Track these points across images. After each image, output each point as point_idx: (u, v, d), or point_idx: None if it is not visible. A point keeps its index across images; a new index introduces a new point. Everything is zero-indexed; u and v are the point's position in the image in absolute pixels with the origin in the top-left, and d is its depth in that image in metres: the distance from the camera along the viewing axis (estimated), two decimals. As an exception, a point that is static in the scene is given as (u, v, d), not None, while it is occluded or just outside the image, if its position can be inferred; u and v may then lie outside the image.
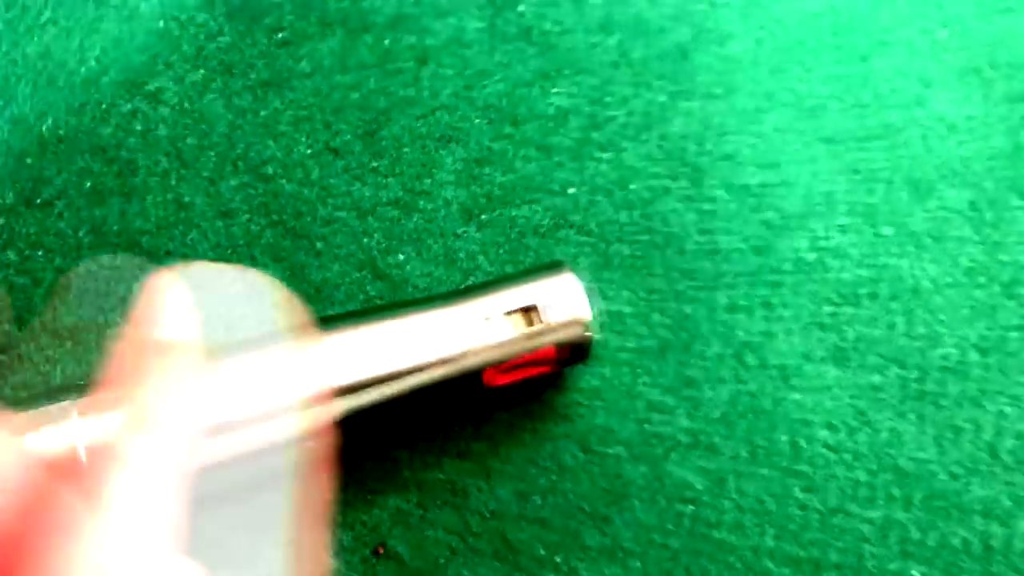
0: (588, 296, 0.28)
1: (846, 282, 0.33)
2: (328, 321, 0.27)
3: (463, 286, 0.30)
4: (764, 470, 0.31)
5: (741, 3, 0.35)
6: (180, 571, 0.18)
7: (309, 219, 0.32)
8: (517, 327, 0.28)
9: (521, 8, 0.35)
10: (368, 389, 0.26)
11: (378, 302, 0.31)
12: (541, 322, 0.28)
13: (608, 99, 0.34)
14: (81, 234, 0.32)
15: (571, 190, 0.33)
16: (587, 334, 0.28)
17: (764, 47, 0.35)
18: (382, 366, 0.26)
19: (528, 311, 0.28)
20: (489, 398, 0.31)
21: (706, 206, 0.33)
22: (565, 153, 0.34)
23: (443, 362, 0.27)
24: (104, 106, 0.33)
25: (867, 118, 0.35)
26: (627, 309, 0.32)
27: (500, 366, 0.28)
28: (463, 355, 0.27)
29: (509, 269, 0.32)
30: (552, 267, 0.29)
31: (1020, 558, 0.31)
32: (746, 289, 0.33)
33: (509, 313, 0.28)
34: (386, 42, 0.34)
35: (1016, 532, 0.31)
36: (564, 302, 0.28)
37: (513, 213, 0.33)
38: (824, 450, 0.31)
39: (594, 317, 0.28)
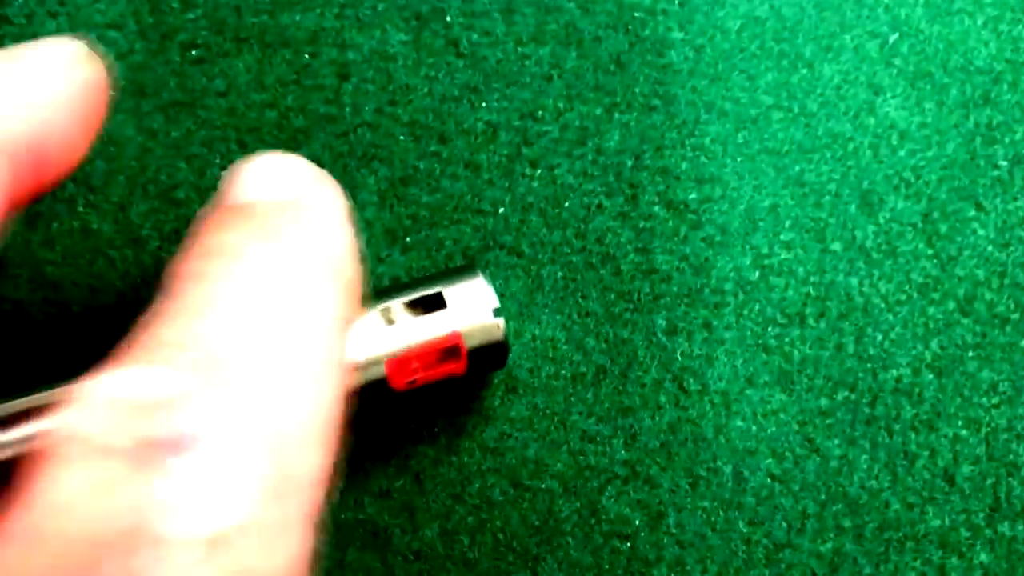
0: (494, 288, 0.27)
1: (792, 301, 0.31)
2: None
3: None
4: (706, 503, 0.29)
5: (680, 10, 0.34)
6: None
7: (223, 245, 0.31)
8: (417, 315, 0.26)
9: (448, 19, 0.33)
10: None
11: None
12: (445, 308, 0.26)
13: (540, 113, 0.33)
14: (-19, 265, 0.30)
15: (501, 209, 0.32)
16: (496, 321, 0.26)
17: (704, 55, 0.33)
18: None
19: (431, 304, 0.26)
20: (400, 406, 0.29)
21: (643, 224, 0.32)
22: (495, 170, 0.32)
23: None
24: (6, 130, 0.32)
25: (813, 128, 0.33)
26: (560, 334, 0.31)
27: (402, 358, 0.26)
28: (359, 350, 0.25)
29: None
30: (460, 268, 0.28)
31: (978, 592, 0.29)
32: (686, 310, 0.31)
33: (411, 305, 0.26)
34: (305, 57, 0.32)
35: (974, 564, 0.29)
36: (468, 291, 0.26)
37: (440, 235, 0.31)
38: (769, 480, 0.30)
39: (508, 323, 0.26)
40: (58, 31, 0.32)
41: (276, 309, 0.14)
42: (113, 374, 0.12)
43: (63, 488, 0.11)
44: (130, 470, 0.11)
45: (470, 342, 0.26)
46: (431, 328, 0.26)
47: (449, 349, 0.26)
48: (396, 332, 0.26)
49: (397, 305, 0.26)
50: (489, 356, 0.27)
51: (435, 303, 0.26)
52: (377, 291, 0.27)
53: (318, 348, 0.14)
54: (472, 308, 0.26)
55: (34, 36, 0.32)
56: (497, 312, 0.26)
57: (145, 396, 0.12)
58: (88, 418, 0.12)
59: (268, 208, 0.16)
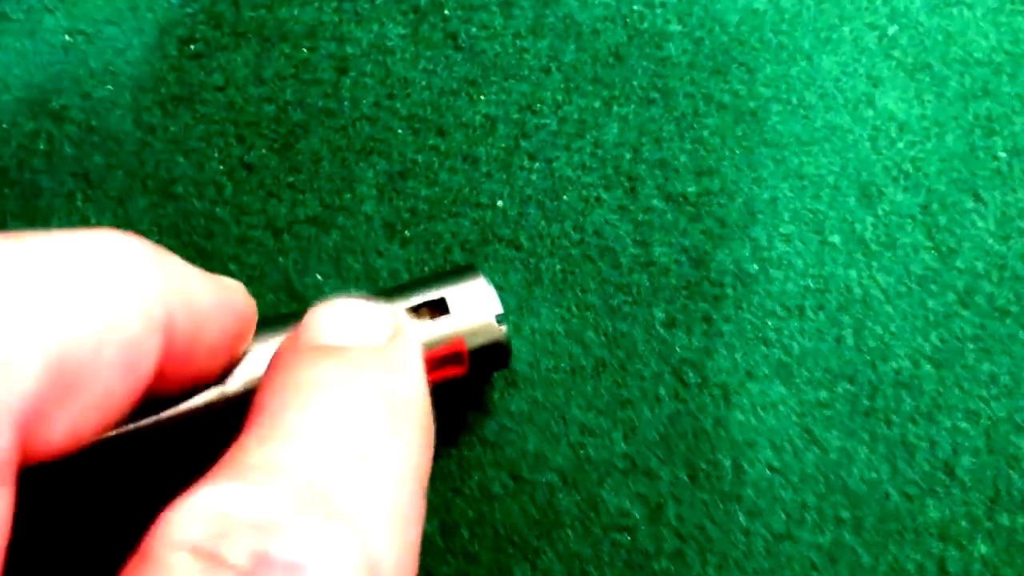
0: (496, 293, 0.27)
1: (791, 294, 0.31)
2: None
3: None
4: (705, 495, 0.29)
5: (678, 2, 0.34)
6: None
7: (221, 239, 0.31)
8: (421, 321, 0.26)
9: (446, 12, 0.33)
10: None
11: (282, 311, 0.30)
12: (448, 313, 0.26)
13: (538, 106, 0.33)
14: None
15: (499, 202, 0.32)
16: (499, 327, 0.26)
17: (703, 48, 0.33)
18: None
19: (434, 308, 0.26)
20: None
21: (642, 216, 0.32)
22: (493, 163, 0.32)
23: None
24: (4, 126, 0.32)
25: (812, 120, 0.33)
26: (559, 327, 0.31)
27: None
28: None
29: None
30: (461, 269, 0.27)
31: (978, 584, 0.29)
32: (685, 303, 0.31)
33: (414, 309, 0.26)
34: (303, 51, 0.32)
35: (974, 556, 0.29)
36: (471, 296, 0.26)
37: (438, 228, 0.31)
38: (769, 472, 0.30)
39: (507, 317, 0.26)
40: (56, 26, 0.32)
41: (369, 446, 0.14)
42: (215, 488, 0.13)
43: None
44: None
45: (473, 346, 0.26)
46: (436, 336, 0.26)
47: (453, 355, 0.26)
48: None
49: (400, 310, 0.26)
50: (491, 358, 0.27)
51: (438, 308, 0.26)
52: (379, 291, 0.27)
53: (407, 489, 0.14)
54: (475, 314, 0.26)
55: (32, 32, 0.32)
56: (500, 319, 0.26)
57: (249, 515, 0.12)
58: (196, 527, 0.12)
59: (356, 350, 0.16)
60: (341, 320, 0.17)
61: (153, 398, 0.16)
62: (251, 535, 0.12)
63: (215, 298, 0.16)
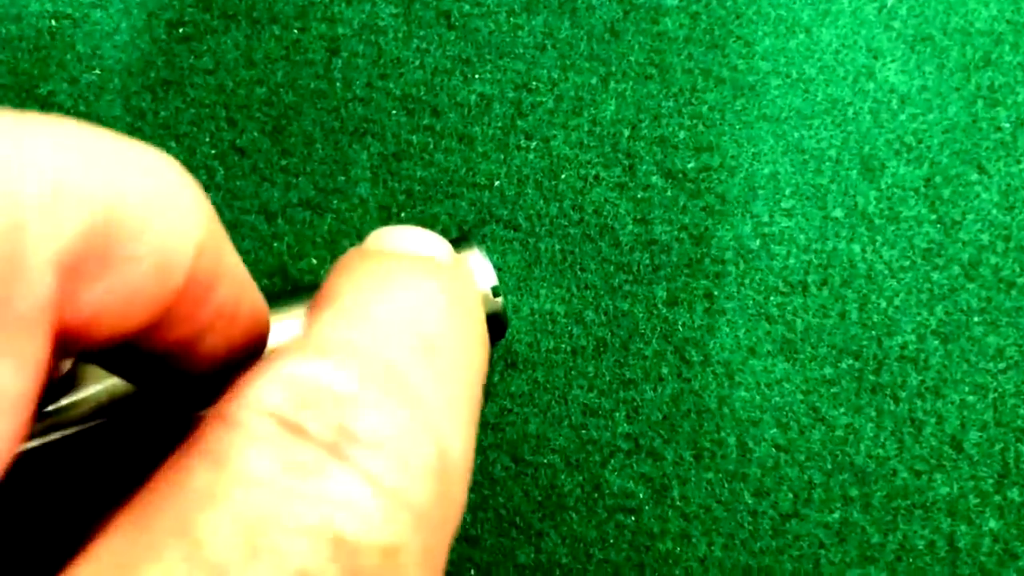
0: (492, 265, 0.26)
1: (794, 269, 0.31)
2: None
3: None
4: (710, 474, 0.29)
5: (675, -23, 0.33)
6: None
7: (214, 224, 0.30)
8: None
9: (438, -9, 0.32)
10: None
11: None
12: None
13: (534, 84, 0.32)
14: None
15: (496, 182, 0.31)
16: (495, 299, 0.26)
17: (700, 22, 0.33)
18: None
19: None
20: None
21: (641, 194, 0.31)
22: (489, 143, 0.31)
23: None
24: (-8, 112, 0.31)
25: (812, 93, 0.32)
26: (559, 308, 0.30)
27: None
28: None
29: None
30: (455, 241, 0.27)
31: (988, 558, 0.29)
32: (686, 281, 0.30)
33: None
34: (294, 32, 0.32)
35: (983, 531, 0.29)
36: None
37: (435, 210, 0.31)
38: (775, 450, 0.29)
39: (505, 296, 0.26)
40: (42, 10, 0.32)
41: (442, 340, 0.14)
42: (300, 358, 0.13)
43: (256, 463, 0.11)
44: (325, 460, 0.12)
45: None
46: None
47: None
48: None
49: None
50: (488, 331, 0.27)
51: None
52: None
53: (473, 386, 0.15)
54: None
55: (17, 17, 0.32)
56: (496, 290, 0.26)
57: (334, 389, 0.12)
58: (280, 395, 0.12)
59: (426, 258, 0.16)
60: (408, 236, 0.17)
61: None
62: (335, 409, 0.12)
63: (242, 276, 0.16)
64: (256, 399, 0.12)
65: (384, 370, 0.13)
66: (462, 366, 0.15)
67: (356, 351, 0.13)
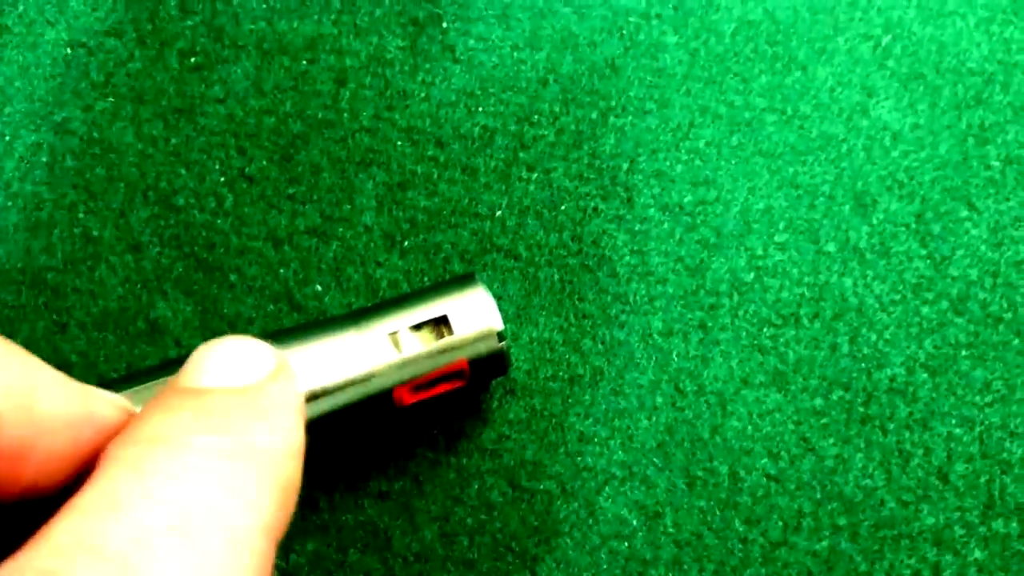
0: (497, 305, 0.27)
1: (786, 302, 0.32)
2: None
3: (367, 304, 0.28)
4: (702, 502, 0.30)
5: (674, 14, 0.34)
6: None
7: (222, 250, 0.31)
8: (426, 342, 0.26)
9: (444, 25, 0.33)
10: None
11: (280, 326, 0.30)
12: (451, 334, 0.26)
13: (536, 117, 0.33)
14: (-17, 272, 0.30)
15: (498, 213, 0.32)
16: (500, 343, 0.27)
17: (698, 59, 0.34)
18: None
19: (436, 324, 0.27)
20: (403, 419, 0.29)
21: (638, 226, 0.32)
22: (491, 174, 0.32)
23: (350, 384, 0.26)
24: (7, 138, 0.32)
25: (807, 130, 0.33)
26: (557, 336, 0.31)
27: (411, 383, 0.26)
28: (370, 375, 0.26)
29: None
30: (461, 279, 0.28)
31: (973, 589, 0.29)
32: (681, 312, 0.31)
33: (416, 327, 0.27)
34: (303, 63, 0.33)
35: (968, 561, 0.29)
36: (473, 311, 0.27)
37: (438, 238, 0.32)
38: (765, 480, 0.30)
39: (506, 326, 0.26)
40: (57, 39, 0.33)
41: (197, 514, 0.14)
42: (41, 559, 0.12)
43: None
44: None
45: (474, 360, 0.27)
46: (440, 355, 0.26)
47: (455, 372, 0.27)
48: (405, 360, 0.26)
49: (404, 330, 0.26)
50: (491, 369, 0.27)
51: (440, 323, 0.27)
52: (380, 304, 0.27)
53: (242, 551, 0.14)
54: (477, 329, 0.27)
55: (33, 45, 0.33)
56: (501, 334, 0.27)
57: None
58: None
59: (216, 393, 0.16)
60: (215, 359, 0.16)
61: None
62: None
63: (69, 408, 0.16)
64: None
65: (121, 571, 0.12)
66: (228, 531, 0.14)
67: (93, 551, 0.12)
